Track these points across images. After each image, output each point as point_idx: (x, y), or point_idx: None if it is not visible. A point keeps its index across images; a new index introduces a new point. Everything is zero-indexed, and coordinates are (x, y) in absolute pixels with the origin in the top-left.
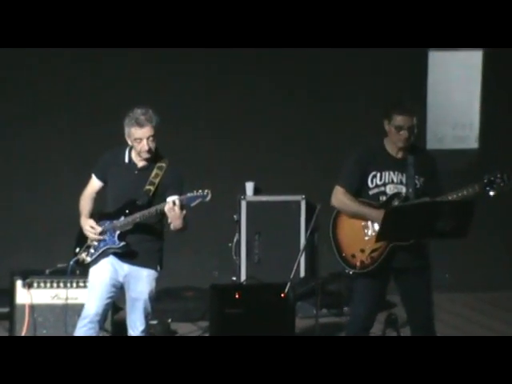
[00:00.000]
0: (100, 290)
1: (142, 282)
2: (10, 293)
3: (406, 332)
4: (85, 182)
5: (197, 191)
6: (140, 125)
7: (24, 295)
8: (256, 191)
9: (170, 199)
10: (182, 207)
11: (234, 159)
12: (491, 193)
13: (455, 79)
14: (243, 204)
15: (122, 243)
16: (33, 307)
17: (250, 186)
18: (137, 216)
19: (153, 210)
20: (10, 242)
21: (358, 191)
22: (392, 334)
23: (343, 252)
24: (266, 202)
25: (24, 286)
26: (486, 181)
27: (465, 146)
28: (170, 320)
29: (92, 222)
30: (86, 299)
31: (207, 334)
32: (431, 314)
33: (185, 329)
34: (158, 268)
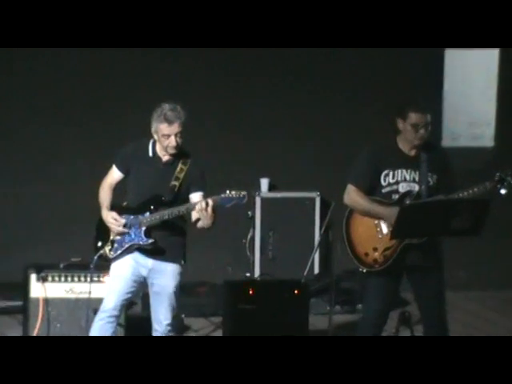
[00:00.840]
0: (120, 285)
1: (166, 276)
2: (24, 286)
3: (419, 329)
4: (99, 176)
5: (230, 192)
6: (169, 121)
7: (38, 289)
8: (271, 187)
9: (195, 196)
10: (214, 208)
11: (249, 155)
12: (502, 191)
13: (472, 77)
14: (258, 200)
15: (151, 240)
16: (47, 301)
17: (264, 183)
18: (165, 213)
19: (183, 208)
20: (25, 235)
21: (371, 189)
22: (405, 332)
23: (356, 250)
24: (280, 199)
25: (38, 279)
26: (497, 179)
27: (481, 144)
28: (183, 315)
29: (115, 214)
30: (106, 293)
31: (220, 330)
32: (444, 312)
33: (198, 324)
34: (182, 262)
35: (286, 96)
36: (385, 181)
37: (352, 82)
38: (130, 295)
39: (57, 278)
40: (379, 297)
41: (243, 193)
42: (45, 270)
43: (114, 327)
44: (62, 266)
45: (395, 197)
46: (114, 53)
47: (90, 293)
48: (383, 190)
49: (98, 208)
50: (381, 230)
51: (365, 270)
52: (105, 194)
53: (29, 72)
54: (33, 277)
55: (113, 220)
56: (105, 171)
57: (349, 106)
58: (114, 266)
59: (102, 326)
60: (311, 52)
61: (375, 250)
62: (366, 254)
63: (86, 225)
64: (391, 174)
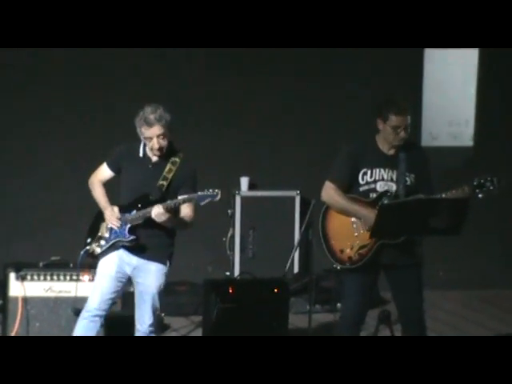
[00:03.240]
0: (105, 285)
1: (150, 275)
2: (4, 285)
3: (399, 328)
4: (79, 175)
5: (207, 190)
6: (149, 124)
7: (17, 288)
8: (251, 186)
9: (180, 197)
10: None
11: (229, 154)
12: (480, 195)
13: (451, 76)
14: (238, 199)
15: (132, 237)
16: (26, 300)
17: (244, 181)
18: (147, 211)
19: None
20: (4, 234)
21: (349, 187)
22: (385, 331)
23: (332, 246)
24: (260, 197)
25: (17, 278)
26: (475, 183)
27: (460, 143)
28: (163, 314)
29: (118, 214)
30: (91, 292)
31: (200, 329)
32: (421, 311)
33: (178, 323)
34: (168, 263)
35: (267, 96)
36: (363, 179)
37: (331, 82)
38: (114, 294)
39: (36, 277)
40: (355, 294)
41: (217, 190)
42: (24, 269)
43: (97, 327)
44: (41, 264)
45: (373, 195)
46: (100, 51)
47: (76, 290)
48: (361, 189)
49: (78, 207)
50: (357, 227)
51: (339, 267)
52: (99, 191)
53: (14, 70)
54: (12, 275)
55: (116, 220)
56: (85, 170)
57: (328, 104)
58: (100, 263)
59: (85, 325)
60: (294, 54)
61: (351, 247)
62: (342, 251)
63: (67, 224)
64: (369, 172)
